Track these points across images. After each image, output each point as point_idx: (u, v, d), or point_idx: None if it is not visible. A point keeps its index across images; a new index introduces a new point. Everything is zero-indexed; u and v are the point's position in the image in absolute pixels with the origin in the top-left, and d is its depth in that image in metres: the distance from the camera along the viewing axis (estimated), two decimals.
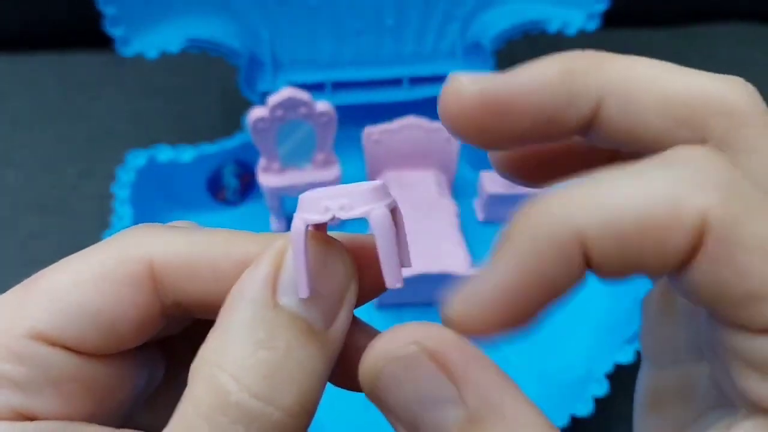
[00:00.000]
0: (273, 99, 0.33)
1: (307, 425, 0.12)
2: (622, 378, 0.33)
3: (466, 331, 0.11)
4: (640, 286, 0.32)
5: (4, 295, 0.13)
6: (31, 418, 0.13)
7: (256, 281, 0.12)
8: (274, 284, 0.12)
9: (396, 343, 0.11)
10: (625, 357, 0.30)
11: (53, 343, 0.13)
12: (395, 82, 0.41)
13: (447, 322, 0.11)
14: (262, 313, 0.12)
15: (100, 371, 0.13)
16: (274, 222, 0.39)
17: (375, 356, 0.11)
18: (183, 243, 0.13)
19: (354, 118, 0.39)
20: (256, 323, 0.12)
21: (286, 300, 0.12)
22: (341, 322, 0.13)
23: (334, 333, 0.13)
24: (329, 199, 0.12)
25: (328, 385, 0.13)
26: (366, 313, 0.35)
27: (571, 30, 0.39)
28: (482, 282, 0.11)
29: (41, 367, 0.13)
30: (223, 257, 0.13)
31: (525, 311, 0.10)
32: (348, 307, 0.13)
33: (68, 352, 0.13)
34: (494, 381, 0.11)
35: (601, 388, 0.29)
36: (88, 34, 0.46)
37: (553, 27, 0.39)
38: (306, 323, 0.12)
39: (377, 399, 0.12)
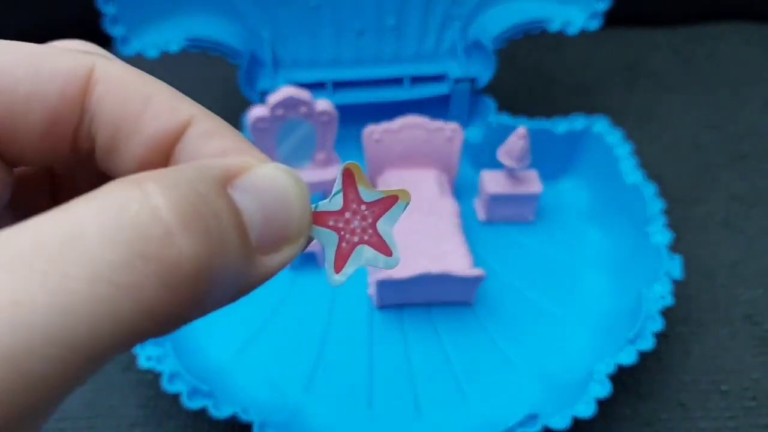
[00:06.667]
0: (273, 98, 0.33)
1: None
2: (624, 379, 0.33)
3: None
4: (643, 286, 0.32)
5: None
6: None
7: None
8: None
9: None
10: (627, 358, 0.29)
11: None
12: (396, 82, 0.41)
13: None
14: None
15: None
16: None
17: None
18: (128, 70, 0.13)
19: (355, 117, 0.39)
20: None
21: None
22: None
23: None
24: None
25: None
26: (366, 314, 0.35)
27: (573, 29, 0.39)
28: None
29: None
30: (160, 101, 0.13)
31: None
32: None
33: None
34: None
35: (603, 390, 0.28)
36: (89, 34, 0.46)
37: (554, 26, 0.39)
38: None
39: None
